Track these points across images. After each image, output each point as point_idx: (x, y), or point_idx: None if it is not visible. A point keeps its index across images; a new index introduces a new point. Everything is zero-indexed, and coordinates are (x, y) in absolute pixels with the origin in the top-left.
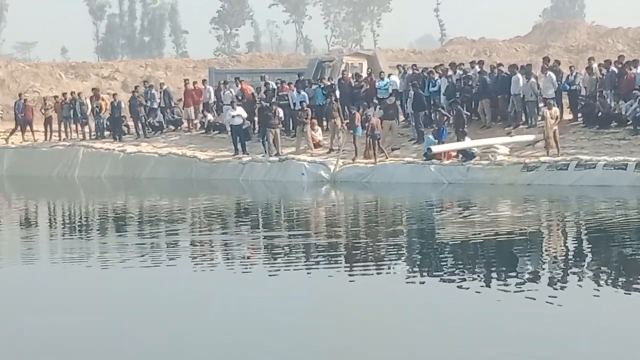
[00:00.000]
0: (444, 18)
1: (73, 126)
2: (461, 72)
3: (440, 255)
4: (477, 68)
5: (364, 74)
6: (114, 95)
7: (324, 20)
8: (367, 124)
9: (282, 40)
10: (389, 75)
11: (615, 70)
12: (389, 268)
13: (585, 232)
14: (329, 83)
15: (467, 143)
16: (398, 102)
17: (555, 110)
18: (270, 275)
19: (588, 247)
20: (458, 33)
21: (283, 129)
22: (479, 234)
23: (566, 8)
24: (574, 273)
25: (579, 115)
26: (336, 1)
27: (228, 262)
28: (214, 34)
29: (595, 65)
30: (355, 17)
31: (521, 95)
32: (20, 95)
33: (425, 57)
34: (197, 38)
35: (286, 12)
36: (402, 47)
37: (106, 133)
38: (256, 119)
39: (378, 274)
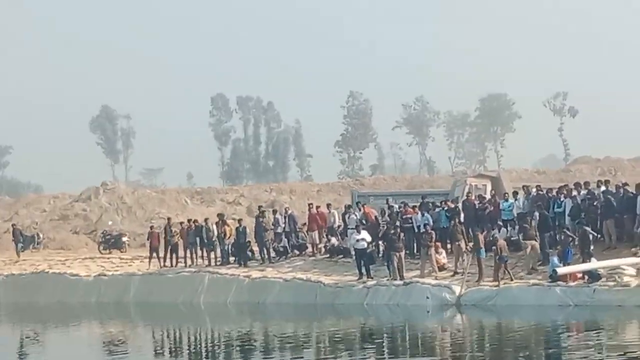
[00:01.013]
0: (567, 137)
1: (199, 252)
2: (585, 192)
3: None
4: (602, 187)
5: (488, 195)
6: (239, 220)
7: (448, 141)
8: (494, 247)
9: (406, 162)
10: (515, 195)
11: None
12: None
13: None
14: (452, 206)
15: (593, 264)
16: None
17: None
18: None
19: None
20: (582, 152)
21: (407, 252)
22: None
23: None
24: None
25: None
26: (459, 122)
27: None
28: (338, 157)
29: None
30: (478, 138)
31: None
32: (169, 219)
33: (550, 177)
34: (321, 161)
35: (409, 134)
36: (526, 167)
37: (231, 259)
38: (380, 242)
39: None
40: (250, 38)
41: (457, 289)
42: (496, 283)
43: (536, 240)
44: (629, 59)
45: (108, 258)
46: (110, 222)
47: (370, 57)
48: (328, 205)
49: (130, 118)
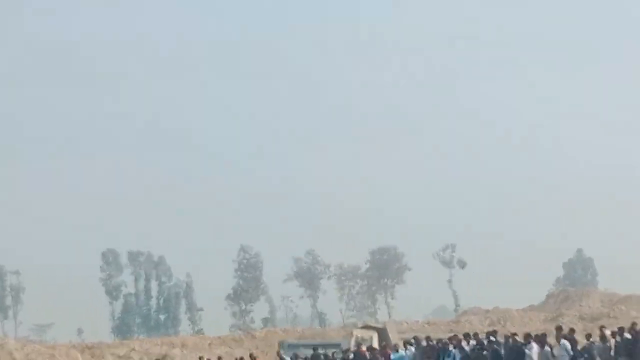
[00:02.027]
0: (457, 289)
1: None
2: (475, 343)
3: None
4: (492, 338)
5: (376, 346)
6: None
7: (339, 294)
8: None
9: (297, 315)
10: (405, 346)
11: (629, 337)
12: None
13: None
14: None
15: None
16: None
17: None
18: None
19: None
20: (472, 303)
21: None
22: None
23: (579, 276)
24: None
25: None
26: (350, 275)
27: None
28: (230, 310)
29: (608, 333)
30: (369, 290)
31: None
32: None
33: (440, 328)
34: (212, 315)
35: (301, 287)
36: (417, 319)
37: None
38: None
39: None
40: (139, 193)
41: None
42: None
43: None
44: (514, 210)
45: None
46: None
47: (261, 211)
48: (219, 359)
49: (20, 274)
